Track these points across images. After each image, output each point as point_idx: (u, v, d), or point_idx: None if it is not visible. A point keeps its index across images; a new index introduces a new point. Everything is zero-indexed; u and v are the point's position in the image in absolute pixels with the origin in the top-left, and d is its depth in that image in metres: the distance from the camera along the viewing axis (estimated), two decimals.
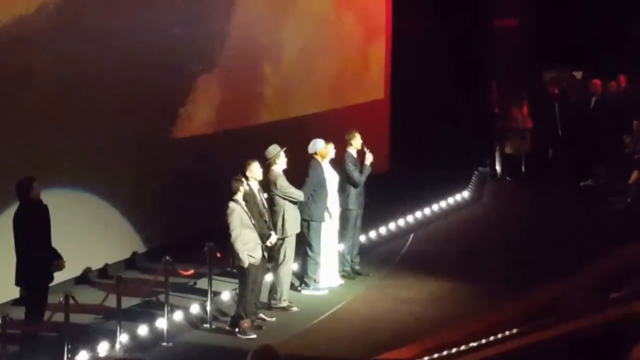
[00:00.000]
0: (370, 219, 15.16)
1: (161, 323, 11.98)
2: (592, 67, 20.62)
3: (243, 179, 12.22)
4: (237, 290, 12.53)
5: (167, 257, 12.18)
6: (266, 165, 12.95)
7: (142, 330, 11.85)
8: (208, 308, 12.51)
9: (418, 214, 17.05)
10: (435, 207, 17.59)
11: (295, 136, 14.88)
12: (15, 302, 12.15)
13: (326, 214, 13.69)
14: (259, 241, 12.21)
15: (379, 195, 15.49)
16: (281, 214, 12.99)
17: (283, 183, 13.02)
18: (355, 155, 14.20)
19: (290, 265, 13.23)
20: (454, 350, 8.63)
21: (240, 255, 11.98)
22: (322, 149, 13.75)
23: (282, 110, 17.32)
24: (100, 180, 13.77)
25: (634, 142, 17.94)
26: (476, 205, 18.47)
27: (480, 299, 13.21)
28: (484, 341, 8.58)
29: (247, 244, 12.04)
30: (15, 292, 11.98)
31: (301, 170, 13.63)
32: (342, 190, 14.04)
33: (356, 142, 14.20)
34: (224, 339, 12.11)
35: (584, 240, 15.38)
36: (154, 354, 11.67)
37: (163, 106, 14.82)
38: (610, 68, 20.04)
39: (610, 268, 11.39)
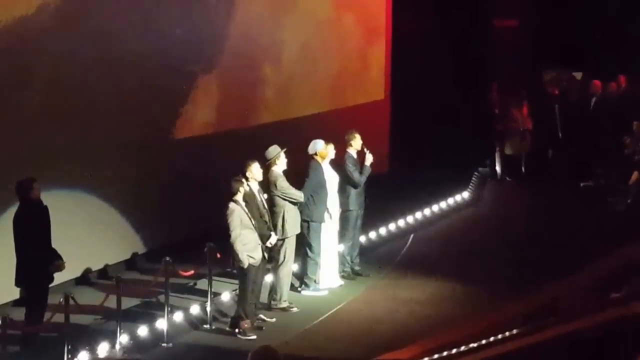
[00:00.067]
0: (370, 220, 15.15)
1: (161, 324, 11.97)
2: (592, 67, 20.62)
3: (243, 180, 12.22)
4: (237, 291, 12.52)
5: (167, 258, 12.18)
6: (266, 166, 12.95)
7: (142, 330, 11.84)
8: (208, 309, 12.50)
9: (418, 215, 17.05)
10: (435, 207, 17.59)
11: (295, 137, 14.88)
12: (16, 303, 12.15)
13: (326, 215, 13.69)
14: (259, 242, 12.21)
15: (379, 196, 15.49)
16: (281, 214, 12.99)
17: (283, 184, 13.02)
18: (355, 155, 14.20)
19: (290, 266, 13.23)
20: (454, 350, 8.65)
21: (240, 256, 11.98)
22: (322, 150, 13.75)
23: (282, 110, 17.31)
24: (101, 180, 13.76)
25: (634, 142, 17.94)
26: (476, 206, 18.45)
27: (480, 299, 13.21)
28: (484, 342, 8.59)
29: (247, 244, 12.04)
30: (15, 293, 11.98)
31: (301, 171, 13.62)
32: (342, 191, 14.03)
33: (356, 143, 14.20)
34: (224, 340, 12.10)
35: (584, 241, 15.39)
36: (154, 354, 11.67)
37: (163, 106, 14.82)
38: (610, 68, 20.04)
39: (610, 268, 11.42)
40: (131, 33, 14.11)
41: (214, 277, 12.75)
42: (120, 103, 13.98)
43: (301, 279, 13.74)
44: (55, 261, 11.37)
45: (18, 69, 12.57)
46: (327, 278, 13.79)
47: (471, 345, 8.61)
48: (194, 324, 12.49)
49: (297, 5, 17.70)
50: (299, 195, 13.13)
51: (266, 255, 12.43)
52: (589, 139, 19.09)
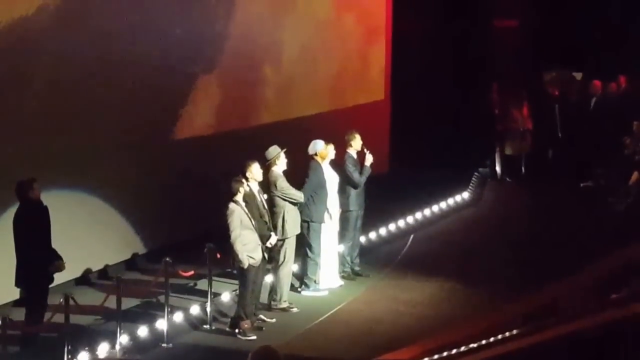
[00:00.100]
0: (370, 220, 15.15)
1: (161, 324, 11.98)
2: (592, 67, 20.61)
3: (243, 180, 12.22)
4: (237, 291, 12.52)
5: (167, 258, 12.18)
6: (266, 166, 12.95)
7: (142, 331, 11.85)
8: (208, 309, 12.50)
9: (418, 215, 17.05)
10: (435, 207, 17.58)
11: (295, 137, 14.87)
12: (16, 303, 12.16)
13: (326, 215, 13.69)
14: (259, 242, 12.21)
15: (379, 196, 15.49)
16: (281, 215, 12.99)
17: (283, 184, 13.02)
18: (355, 156, 14.19)
19: (290, 266, 13.22)
20: (454, 351, 8.64)
21: (240, 256, 11.98)
22: (322, 150, 13.75)
23: (282, 111, 17.31)
24: (101, 181, 13.76)
25: (634, 143, 17.94)
26: (476, 206, 18.45)
27: (480, 299, 13.22)
28: (484, 342, 8.58)
29: (247, 244, 12.04)
30: (15, 293, 11.99)
31: (301, 171, 13.62)
32: (342, 191, 14.03)
33: (356, 143, 14.19)
34: (224, 340, 12.10)
35: (584, 241, 15.39)
36: (153, 355, 11.68)
37: (163, 107, 14.82)
38: (610, 68, 20.04)
39: (611, 269, 11.40)
40: (131, 33, 14.12)
41: (214, 278, 12.75)
42: (120, 103, 13.98)
43: (301, 279, 13.73)
44: (55, 261, 11.38)
45: (18, 69, 12.58)
46: (327, 278, 13.79)
47: (471, 345, 8.60)
48: (194, 324, 12.49)
49: (297, 5, 17.70)
50: (299, 196, 13.13)
51: (266, 255, 12.43)
52: (589, 139, 19.08)
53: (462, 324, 11.74)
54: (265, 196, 12.82)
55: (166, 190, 14.67)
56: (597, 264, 12.49)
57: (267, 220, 12.56)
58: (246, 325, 12.12)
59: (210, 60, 15.73)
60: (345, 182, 14.05)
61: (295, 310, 13.02)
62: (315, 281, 13.69)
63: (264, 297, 12.93)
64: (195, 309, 12.60)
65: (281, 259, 13.03)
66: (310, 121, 17.53)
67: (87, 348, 11.15)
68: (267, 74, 17.02)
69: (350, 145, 14.18)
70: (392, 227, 16.36)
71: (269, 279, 13.13)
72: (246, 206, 12.14)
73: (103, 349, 11.30)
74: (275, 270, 13.08)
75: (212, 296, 12.58)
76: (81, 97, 13.37)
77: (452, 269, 14.54)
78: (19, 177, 11.53)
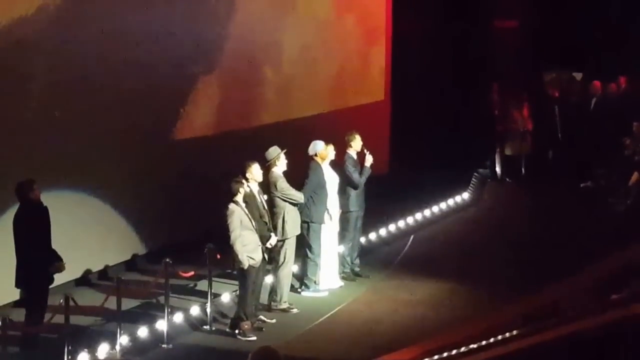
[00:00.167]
0: (370, 221, 15.15)
1: (161, 325, 11.97)
2: (592, 68, 20.61)
3: (243, 181, 12.22)
4: (237, 292, 12.52)
5: (167, 259, 12.18)
6: (266, 167, 12.95)
7: (142, 332, 11.84)
8: (208, 310, 12.50)
9: (418, 216, 17.04)
10: (435, 208, 17.58)
11: (295, 138, 14.88)
12: (16, 304, 12.16)
13: (326, 216, 13.68)
14: (259, 243, 12.20)
15: (379, 197, 15.48)
16: (281, 215, 12.98)
17: (283, 185, 13.01)
18: (355, 156, 14.19)
19: (290, 267, 13.22)
20: (454, 351, 8.63)
21: (240, 257, 11.97)
22: (322, 151, 13.74)
23: (282, 111, 17.31)
24: (101, 181, 13.76)
25: (634, 143, 17.93)
26: (476, 207, 18.45)
27: (480, 300, 13.21)
28: (484, 343, 8.58)
29: (247, 245, 12.03)
30: (15, 294, 11.99)
31: (301, 172, 13.62)
32: (343, 192, 14.03)
33: (356, 144, 14.19)
34: (224, 341, 12.10)
35: (584, 242, 15.38)
36: (153, 355, 11.68)
37: (163, 107, 14.81)
38: (611, 69, 20.04)
39: (611, 269, 11.40)
40: (131, 33, 14.11)
41: (214, 278, 12.75)
42: (120, 103, 13.98)
43: (301, 280, 13.73)
44: (55, 262, 11.38)
45: (18, 69, 12.58)
46: (327, 279, 13.78)
47: (471, 346, 8.60)
48: (194, 325, 12.49)
49: (297, 5, 17.70)
50: (299, 196, 13.13)
51: (266, 256, 12.43)
52: (589, 140, 19.08)
53: (462, 325, 11.74)
54: (265, 197, 12.82)
55: (166, 191, 14.66)
56: (597, 265, 12.49)
57: (267, 221, 12.56)
58: (246, 326, 12.11)
59: (211, 61, 15.73)
60: (345, 183, 14.05)
61: (295, 311, 13.02)
62: (315, 282, 13.69)
63: (264, 298, 12.93)
64: (195, 310, 12.59)
65: (281, 259, 13.03)
66: (310, 122, 17.52)
67: (87, 349, 11.14)
68: (267, 74, 17.01)
69: (350, 146, 14.18)
70: (392, 227, 16.35)
71: (269, 279, 13.13)
72: (246, 207, 12.14)
73: (103, 349, 11.29)
74: (275, 271, 13.08)
75: (212, 297, 12.58)
76: (81, 97, 13.37)
77: (452, 270, 14.54)
78: (18, 178, 11.53)
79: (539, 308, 10.27)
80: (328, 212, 13.71)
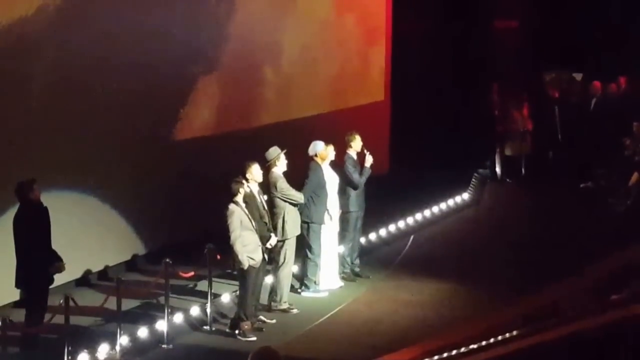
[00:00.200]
0: (370, 221, 15.14)
1: (161, 325, 11.97)
2: (592, 68, 20.61)
3: (243, 181, 12.22)
4: (237, 292, 12.52)
5: (167, 259, 12.18)
6: (266, 167, 12.95)
7: (142, 332, 11.84)
8: (208, 310, 12.50)
9: (418, 216, 17.04)
10: (435, 208, 17.57)
11: (295, 138, 14.88)
12: (16, 304, 12.16)
13: (326, 216, 13.68)
14: (259, 243, 12.20)
15: (379, 197, 15.48)
16: (281, 216, 12.98)
17: (283, 185, 13.01)
18: (355, 157, 14.19)
19: (290, 267, 13.22)
20: (454, 352, 8.64)
21: (240, 257, 11.97)
22: (322, 151, 13.74)
23: (282, 112, 17.30)
24: (101, 182, 13.76)
25: (634, 144, 17.93)
26: (476, 207, 18.44)
27: (480, 300, 13.21)
28: (484, 343, 8.58)
29: (247, 245, 12.03)
30: (15, 294, 11.99)
31: (301, 172, 13.62)
32: (342, 192, 14.02)
33: (356, 144, 14.18)
34: (224, 341, 12.10)
35: (584, 242, 15.38)
36: (153, 356, 11.68)
37: (163, 108, 14.82)
38: (611, 69, 20.04)
39: (611, 270, 11.40)
40: (131, 34, 14.11)
41: (214, 279, 12.75)
42: (120, 104, 13.98)
43: (301, 280, 13.73)
44: (55, 262, 11.38)
45: (18, 69, 12.58)
46: (327, 279, 13.78)
47: (471, 346, 8.61)
48: (194, 325, 12.49)
49: (297, 6, 17.70)
50: (299, 197, 13.13)
51: (266, 256, 12.42)
52: (589, 140, 19.08)
53: (462, 325, 11.74)
54: (265, 197, 12.82)
55: (166, 191, 14.67)
56: (597, 265, 12.50)
57: (267, 221, 12.56)
58: (246, 326, 12.11)
59: (211, 61, 15.73)
60: (345, 183, 14.04)
61: (295, 311, 13.02)
62: (315, 282, 13.68)
63: (264, 298, 12.93)
64: (195, 310, 12.59)
65: (281, 260, 13.03)
66: (310, 122, 17.52)
67: (87, 349, 11.14)
68: (267, 74, 17.01)
69: (350, 146, 14.18)
70: (392, 228, 16.34)
71: (269, 280, 13.13)
72: (246, 207, 12.14)
73: (103, 350, 11.29)
74: (275, 271, 13.08)
75: (212, 297, 12.58)
76: (81, 98, 13.37)
77: (452, 270, 14.54)
78: (18, 178, 11.53)
79: (539, 308, 10.28)
80: (328, 213, 13.70)
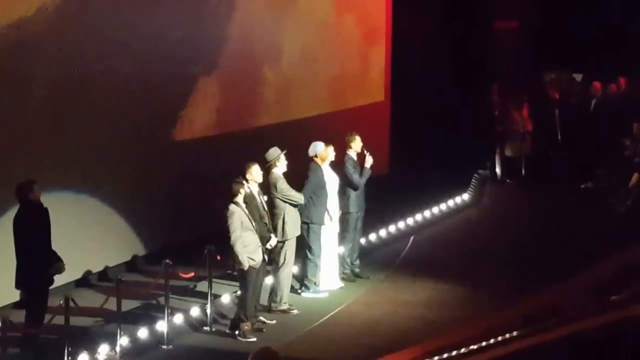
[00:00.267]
0: (370, 222, 15.14)
1: (161, 326, 11.97)
2: (592, 68, 20.61)
3: (243, 182, 12.22)
4: (237, 293, 12.52)
5: (168, 260, 12.18)
6: (266, 168, 12.94)
7: (142, 333, 11.84)
8: (208, 311, 12.50)
9: (418, 217, 17.04)
10: (435, 209, 17.57)
11: (295, 139, 14.87)
12: (16, 305, 12.16)
13: (326, 217, 13.68)
14: (259, 244, 12.20)
15: (379, 198, 15.48)
16: (281, 216, 12.98)
17: (283, 186, 13.01)
18: (355, 157, 14.18)
19: (290, 268, 13.22)
20: (454, 352, 8.64)
21: (240, 258, 11.97)
22: (322, 152, 13.73)
23: (282, 112, 17.30)
24: (101, 182, 13.76)
25: (634, 144, 17.93)
26: (476, 208, 18.44)
27: (480, 301, 13.21)
28: (484, 343, 8.59)
29: (247, 246, 12.03)
30: (15, 295, 11.99)
31: (301, 173, 13.62)
32: (343, 193, 14.02)
33: (356, 145, 14.18)
34: (224, 342, 12.10)
35: (584, 243, 15.38)
36: (153, 356, 11.68)
37: (163, 108, 14.81)
38: (611, 69, 20.04)
39: (611, 270, 11.41)
40: (131, 34, 14.11)
41: (214, 279, 12.75)
42: (120, 104, 13.98)
43: (301, 281, 13.73)
44: (55, 263, 11.37)
45: (18, 69, 12.58)
46: (327, 280, 13.78)
47: (472, 347, 8.61)
48: (194, 326, 12.49)
49: (297, 6, 17.69)
50: (299, 198, 13.13)
51: (266, 257, 12.42)
52: (589, 141, 19.08)
53: (462, 326, 11.74)
54: (266, 198, 12.82)
55: (166, 192, 14.66)
56: (597, 266, 12.51)
57: (267, 222, 12.56)
58: (246, 327, 12.11)
59: (211, 62, 15.73)
60: (345, 184, 14.04)
61: (295, 312, 13.02)
62: (315, 283, 13.68)
63: (264, 299, 12.93)
64: (195, 311, 12.59)
65: (281, 260, 13.03)
66: (310, 123, 17.52)
67: (87, 350, 11.14)
68: (267, 75, 17.01)
69: (350, 147, 14.17)
70: (392, 228, 16.34)
71: (269, 280, 13.13)
72: (246, 208, 12.14)
73: (103, 350, 11.29)
74: (276, 272, 13.08)
75: (212, 298, 12.58)
76: (81, 98, 13.37)
77: (452, 271, 14.53)
78: (18, 178, 11.53)
79: (539, 309, 10.28)
80: (328, 213, 13.70)
